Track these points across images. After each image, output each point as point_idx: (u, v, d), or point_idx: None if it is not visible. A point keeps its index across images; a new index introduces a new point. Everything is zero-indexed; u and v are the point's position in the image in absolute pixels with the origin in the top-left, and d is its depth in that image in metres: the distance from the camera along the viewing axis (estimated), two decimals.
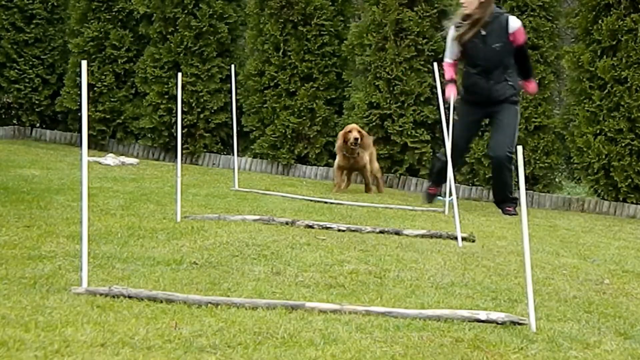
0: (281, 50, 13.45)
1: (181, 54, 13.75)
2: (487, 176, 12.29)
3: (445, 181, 9.81)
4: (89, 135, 13.52)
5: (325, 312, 4.75)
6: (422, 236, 7.68)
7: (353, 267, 6.08)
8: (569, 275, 6.50)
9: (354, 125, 11.20)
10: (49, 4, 14.87)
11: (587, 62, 11.88)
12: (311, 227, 7.73)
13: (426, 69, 12.71)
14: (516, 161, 5.10)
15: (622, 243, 8.68)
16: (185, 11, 13.74)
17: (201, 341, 4.11)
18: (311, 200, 10.00)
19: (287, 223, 7.80)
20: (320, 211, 9.04)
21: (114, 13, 14.22)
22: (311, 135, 13.40)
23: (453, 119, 9.72)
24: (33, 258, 5.65)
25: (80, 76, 13.49)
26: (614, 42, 11.77)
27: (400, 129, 12.72)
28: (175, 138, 12.99)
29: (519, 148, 4.97)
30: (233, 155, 12.15)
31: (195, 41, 13.71)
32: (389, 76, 12.76)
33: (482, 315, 4.78)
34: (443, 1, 13.01)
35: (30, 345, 3.87)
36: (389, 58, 12.76)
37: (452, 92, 9.88)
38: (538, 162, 12.18)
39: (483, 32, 10.06)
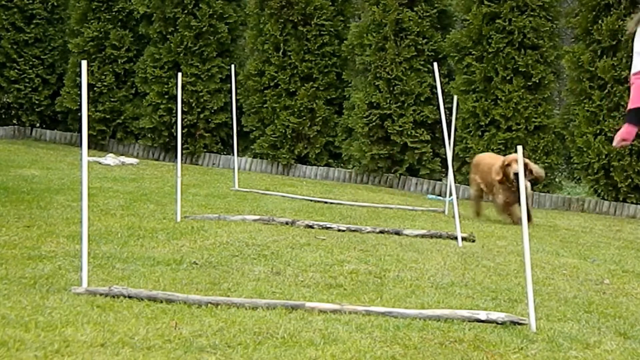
0: (281, 50, 13.46)
1: (181, 54, 13.75)
2: None
3: None
4: (89, 135, 13.53)
5: (325, 312, 4.75)
6: (422, 236, 7.68)
7: (353, 267, 6.08)
8: (569, 275, 6.50)
9: (513, 156, 9.44)
10: (49, 4, 14.88)
11: (587, 62, 11.89)
12: (311, 227, 7.73)
13: (426, 69, 12.72)
14: None
15: (622, 243, 8.68)
16: (185, 11, 13.74)
17: (201, 341, 4.11)
18: (311, 200, 10.00)
19: (287, 223, 7.80)
20: (320, 211, 9.04)
21: (114, 13, 14.22)
22: (311, 135, 13.40)
23: None
24: (33, 258, 5.65)
25: (80, 76, 13.49)
26: (614, 42, 11.77)
27: (400, 129, 12.73)
28: (175, 138, 12.99)
29: (519, 148, 4.97)
30: (233, 155, 12.15)
31: (195, 41, 13.71)
32: (389, 76, 12.76)
33: (482, 315, 4.78)
34: (443, 1, 13.02)
35: (30, 345, 3.86)
36: (389, 58, 12.76)
37: (628, 134, 5.78)
38: (538, 162, 12.17)
39: None
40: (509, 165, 9.34)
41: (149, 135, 13.98)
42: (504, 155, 10.52)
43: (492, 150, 12.24)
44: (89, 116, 13.44)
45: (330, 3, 13.51)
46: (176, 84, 9.61)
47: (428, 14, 12.84)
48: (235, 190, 10.39)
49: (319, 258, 6.30)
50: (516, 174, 8.98)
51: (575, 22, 12.19)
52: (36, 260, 5.60)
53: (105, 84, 14.16)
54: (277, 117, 13.42)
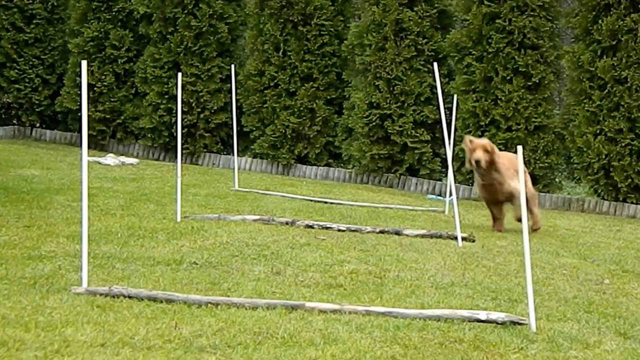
0: (281, 50, 13.46)
1: (181, 54, 13.75)
2: None
3: None
4: (89, 135, 13.53)
5: (325, 312, 4.75)
6: (422, 236, 7.68)
7: (353, 267, 6.08)
8: (569, 275, 6.50)
9: (481, 143, 8.68)
10: (49, 4, 14.88)
11: (587, 62, 11.88)
12: (311, 227, 7.73)
13: (426, 69, 12.72)
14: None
15: (622, 243, 8.68)
16: (185, 11, 13.74)
17: (201, 341, 4.11)
18: (311, 200, 10.00)
19: (287, 223, 7.80)
20: (320, 211, 9.05)
21: (114, 13, 14.22)
22: (311, 135, 13.40)
23: None
24: (33, 258, 5.65)
25: (80, 76, 13.49)
26: (614, 42, 11.77)
27: (400, 129, 12.72)
28: (175, 138, 12.99)
29: (519, 148, 4.97)
30: (233, 155, 12.15)
31: (195, 41, 13.71)
32: (389, 76, 12.76)
33: (482, 315, 4.78)
34: (443, 1, 13.02)
35: (30, 345, 3.86)
36: (389, 58, 12.76)
37: None
38: (538, 162, 12.18)
39: None
40: (473, 151, 8.60)
41: (149, 135, 13.98)
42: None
43: None
44: (89, 116, 13.44)
45: (330, 3, 13.51)
46: (176, 84, 9.61)
47: (428, 14, 12.84)
48: (235, 190, 10.39)
49: (319, 258, 6.30)
50: (477, 162, 8.47)
51: (575, 22, 12.19)
52: (36, 260, 5.59)
53: (105, 84, 14.15)
54: (277, 117, 13.42)
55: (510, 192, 8.54)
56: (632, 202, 11.73)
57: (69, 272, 5.30)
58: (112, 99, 14.20)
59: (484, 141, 8.71)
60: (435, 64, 8.28)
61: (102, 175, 10.68)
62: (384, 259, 6.45)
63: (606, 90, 11.78)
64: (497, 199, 8.74)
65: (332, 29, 13.45)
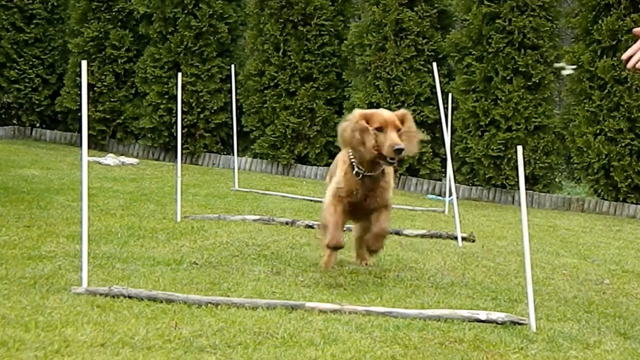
0: (281, 50, 13.46)
1: (181, 54, 13.75)
2: (487, 176, 12.30)
3: None
4: (89, 135, 13.53)
5: (325, 312, 4.75)
6: (422, 236, 7.68)
7: (353, 267, 6.07)
8: (569, 275, 6.50)
9: (391, 117, 5.31)
10: (49, 4, 14.88)
11: (587, 62, 11.89)
12: (311, 227, 7.73)
13: (426, 69, 12.72)
14: (516, 161, 5.10)
15: (622, 243, 8.68)
16: (185, 11, 13.74)
17: (201, 341, 4.11)
18: (311, 200, 10.00)
19: (287, 223, 7.80)
20: (320, 211, 9.04)
21: (114, 13, 14.22)
22: (311, 135, 13.40)
23: None
24: (33, 258, 5.64)
25: (80, 76, 13.49)
26: (614, 42, 11.77)
27: None
28: (175, 138, 12.99)
29: (519, 148, 4.97)
30: (233, 155, 12.15)
31: (195, 41, 13.71)
32: (389, 76, 12.76)
33: (482, 315, 4.78)
34: (443, 1, 13.02)
35: (30, 345, 3.86)
36: (389, 58, 12.76)
37: None
38: (538, 162, 12.18)
39: None
40: (379, 129, 5.27)
41: (149, 135, 13.98)
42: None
43: (492, 151, 12.23)
44: (89, 116, 13.44)
45: (330, 3, 13.51)
46: (176, 84, 9.61)
47: (428, 14, 12.84)
48: (235, 190, 10.39)
49: (319, 258, 6.29)
50: (399, 150, 5.20)
51: (575, 22, 12.19)
52: (36, 260, 5.59)
53: (105, 84, 14.15)
54: (277, 117, 13.42)
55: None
56: (632, 202, 11.73)
57: (69, 272, 5.30)
58: (112, 99, 14.20)
59: (392, 115, 5.37)
60: (434, 64, 8.28)
61: (102, 175, 10.68)
62: (384, 259, 6.45)
63: (606, 90, 11.79)
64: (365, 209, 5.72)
65: (332, 29, 13.46)
